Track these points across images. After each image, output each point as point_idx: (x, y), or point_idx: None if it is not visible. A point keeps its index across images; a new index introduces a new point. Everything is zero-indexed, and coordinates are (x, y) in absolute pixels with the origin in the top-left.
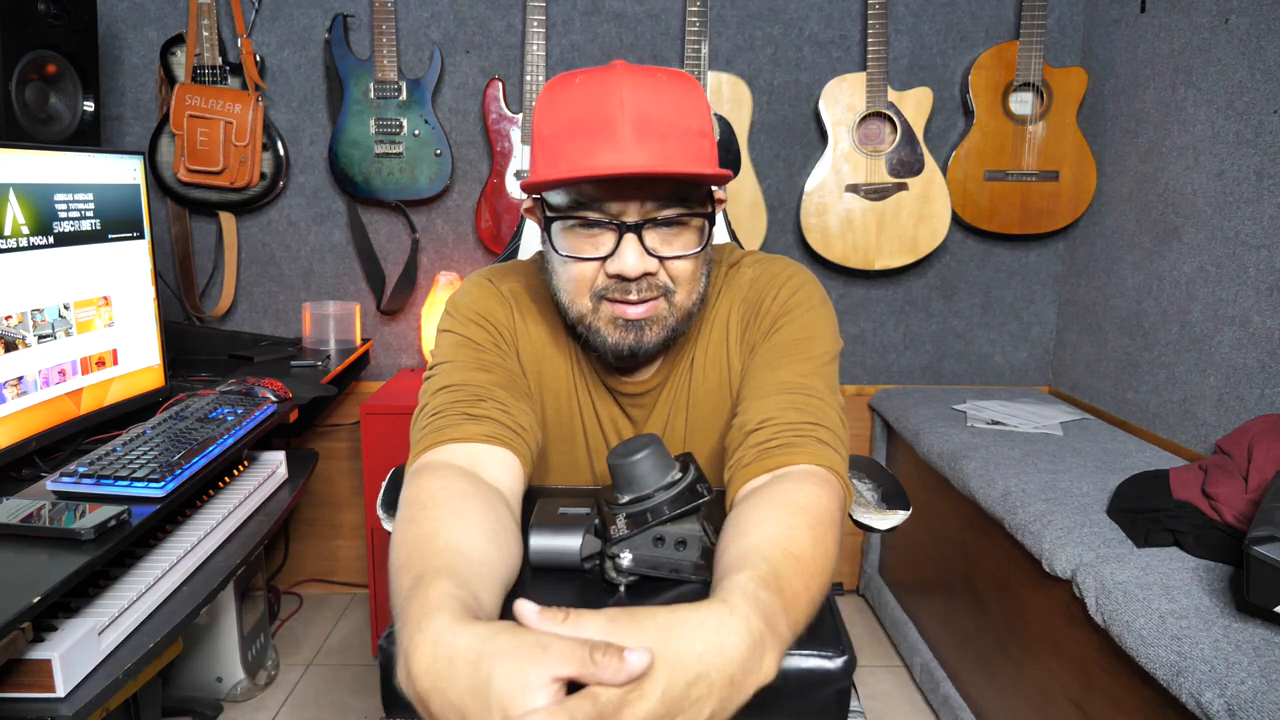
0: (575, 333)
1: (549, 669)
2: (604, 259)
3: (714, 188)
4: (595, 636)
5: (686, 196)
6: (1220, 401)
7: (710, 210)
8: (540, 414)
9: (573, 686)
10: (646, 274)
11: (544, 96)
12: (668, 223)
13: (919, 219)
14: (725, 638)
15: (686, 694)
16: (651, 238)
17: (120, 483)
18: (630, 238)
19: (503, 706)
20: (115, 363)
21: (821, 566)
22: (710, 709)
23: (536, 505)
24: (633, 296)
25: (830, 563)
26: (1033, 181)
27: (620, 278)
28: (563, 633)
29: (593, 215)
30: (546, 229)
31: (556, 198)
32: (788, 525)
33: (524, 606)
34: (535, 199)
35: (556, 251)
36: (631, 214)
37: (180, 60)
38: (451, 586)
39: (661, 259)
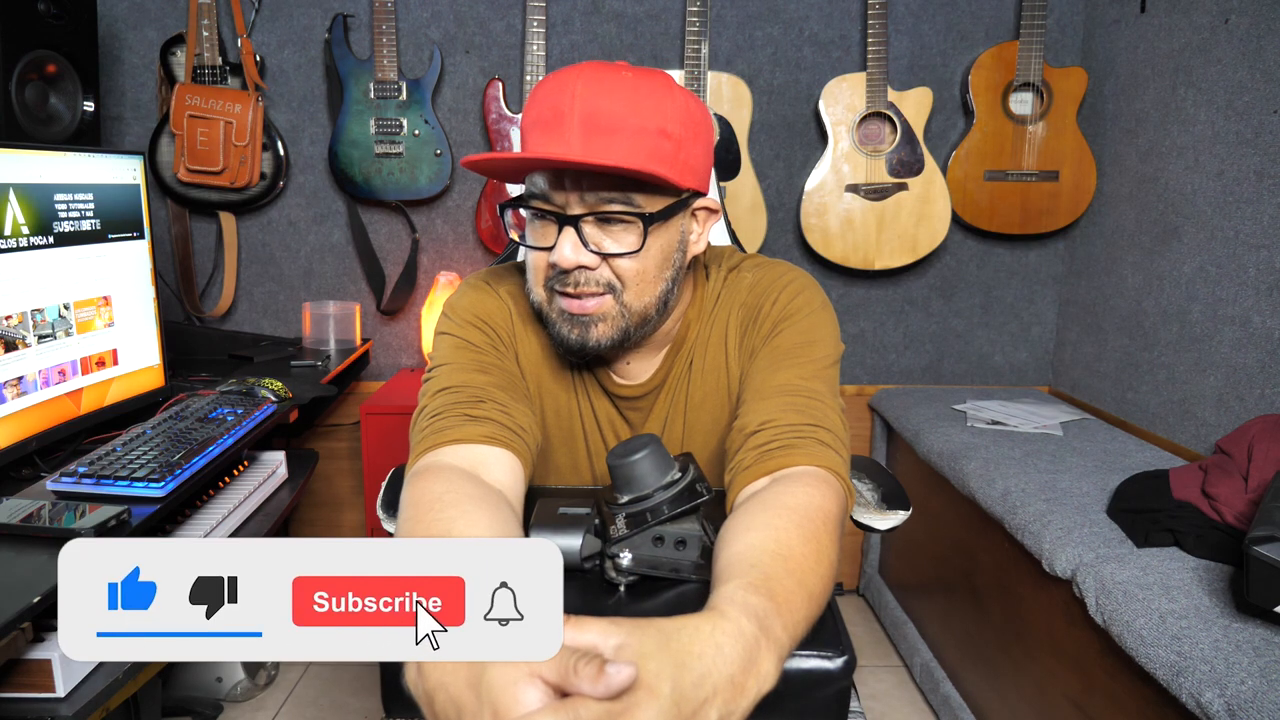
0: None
1: (537, 669)
2: (549, 249)
3: (705, 196)
4: (595, 640)
5: (631, 194)
6: (1220, 401)
7: (655, 212)
8: (540, 415)
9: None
10: (583, 267)
11: (530, 95)
12: (610, 219)
13: (919, 219)
14: (720, 639)
15: (695, 693)
16: (594, 232)
17: (120, 483)
18: (568, 229)
19: (493, 701)
20: (115, 363)
21: (815, 563)
22: (717, 712)
23: (537, 505)
24: (570, 289)
25: (826, 560)
26: (1033, 181)
27: (559, 269)
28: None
29: (541, 205)
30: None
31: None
32: (774, 527)
33: None
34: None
35: (524, 240)
36: (574, 206)
37: (180, 60)
38: None
39: (604, 256)
